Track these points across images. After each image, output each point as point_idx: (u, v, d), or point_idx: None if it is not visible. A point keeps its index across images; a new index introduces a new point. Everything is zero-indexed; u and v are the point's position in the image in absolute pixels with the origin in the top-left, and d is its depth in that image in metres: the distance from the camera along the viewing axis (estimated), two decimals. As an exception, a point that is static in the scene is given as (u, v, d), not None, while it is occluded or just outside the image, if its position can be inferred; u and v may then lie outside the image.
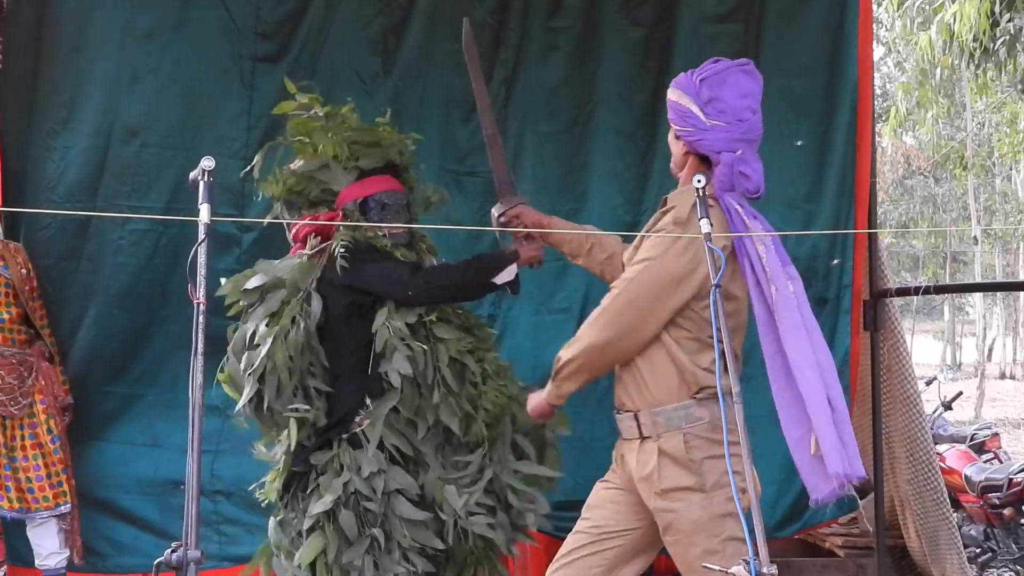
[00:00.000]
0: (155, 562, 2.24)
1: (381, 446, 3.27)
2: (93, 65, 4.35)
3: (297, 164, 3.58)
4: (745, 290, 2.76)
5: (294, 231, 3.54)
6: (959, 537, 4.68)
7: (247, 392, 3.33)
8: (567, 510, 3.67)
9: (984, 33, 8.37)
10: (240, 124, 4.45)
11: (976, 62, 8.82)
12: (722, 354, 2.52)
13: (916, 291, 4.94)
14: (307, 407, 3.31)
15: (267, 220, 3.35)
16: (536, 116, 4.66)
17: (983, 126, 18.76)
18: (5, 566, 4.21)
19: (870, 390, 4.63)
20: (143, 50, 4.36)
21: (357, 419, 3.31)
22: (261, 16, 4.46)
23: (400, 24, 4.58)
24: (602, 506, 2.93)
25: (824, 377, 2.61)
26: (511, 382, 3.51)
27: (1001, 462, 7.07)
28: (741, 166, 2.70)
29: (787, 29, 4.83)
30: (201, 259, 2.38)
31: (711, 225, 2.62)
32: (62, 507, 4.10)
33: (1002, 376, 25.95)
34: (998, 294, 25.36)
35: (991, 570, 6.39)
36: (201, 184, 2.47)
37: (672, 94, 2.79)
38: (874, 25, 6.55)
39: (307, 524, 3.26)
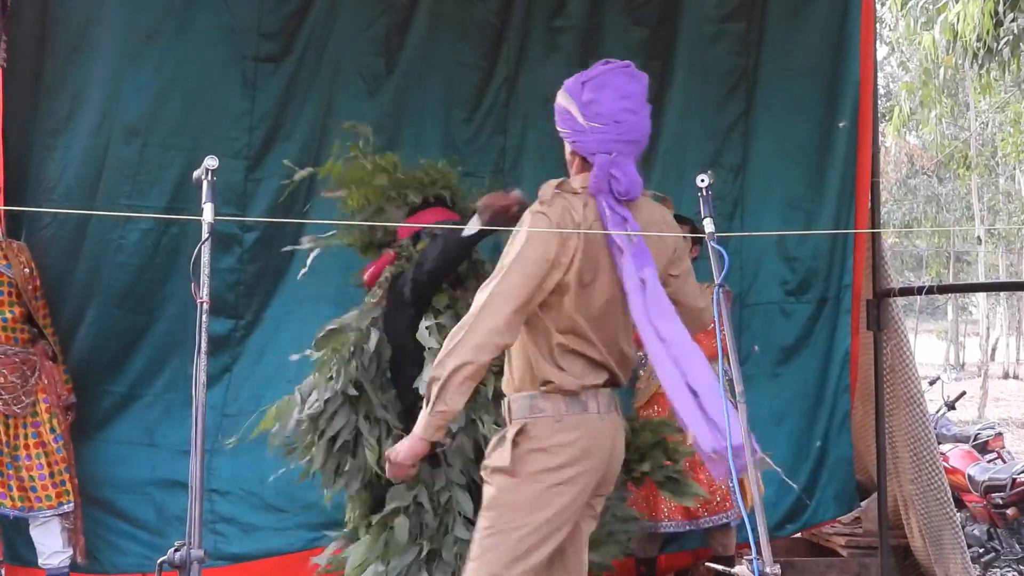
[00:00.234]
0: (158, 561, 2.24)
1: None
2: (95, 64, 4.35)
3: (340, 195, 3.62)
4: (598, 278, 2.69)
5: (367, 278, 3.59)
6: (963, 537, 4.67)
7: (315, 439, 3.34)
8: None
9: (988, 33, 8.36)
10: (242, 124, 4.46)
11: (980, 62, 8.80)
12: (725, 352, 2.52)
13: (919, 291, 4.94)
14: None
15: (269, 220, 3.34)
16: (537, 116, 4.66)
17: (987, 126, 18.70)
18: (4, 566, 4.21)
19: (873, 390, 4.62)
20: (145, 50, 4.36)
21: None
22: (263, 16, 4.47)
23: (402, 24, 4.58)
24: None
25: (680, 364, 2.57)
26: None
27: (1004, 462, 7.05)
28: (612, 168, 2.70)
29: (789, 29, 4.84)
30: (205, 258, 2.38)
31: (710, 224, 2.65)
32: (65, 506, 4.10)
33: (1005, 376, 25.94)
34: (1001, 294, 25.32)
35: (994, 570, 6.38)
36: (205, 183, 2.47)
37: (559, 96, 2.81)
38: (877, 24, 6.55)
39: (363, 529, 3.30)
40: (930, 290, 5.02)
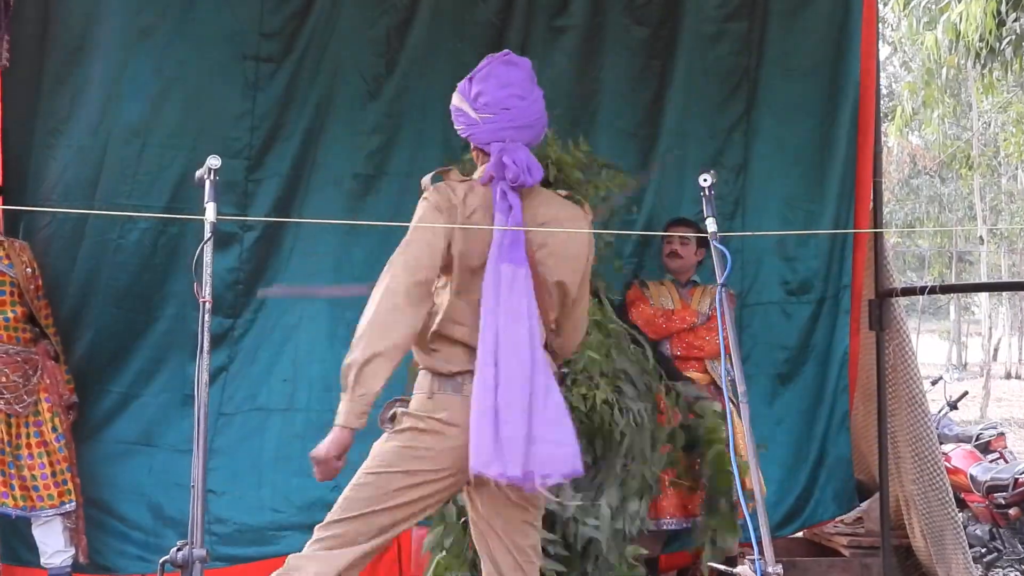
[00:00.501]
0: (161, 560, 2.25)
1: None
2: (95, 64, 4.34)
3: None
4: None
5: None
6: (964, 537, 4.67)
7: None
8: None
9: (990, 33, 8.34)
10: (243, 124, 4.46)
11: (982, 62, 8.78)
12: (727, 351, 2.52)
13: (922, 291, 4.94)
14: None
15: (269, 220, 3.35)
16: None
17: (989, 125, 18.69)
18: (0, 564, 4.22)
19: (875, 390, 4.63)
20: (145, 49, 4.35)
21: None
22: (264, 16, 4.46)
23: (403, 24, 4.58)
24: None
25: (499, 375, 2.59)
26: None
27: (1007, 462, 7.04)
28: (504, 155, 2.75)
29: (791, 29, 4.84)
30: (207, 258, 2.38)
31: (712, 224, 2.65)
32: (67, 505, 4.10)
33: (1008, 376, 25.91)
34: (1004, 294, 25.26)
35: (996, 570, 6.37)
36: (207, 183, 2.48)
37: (454, 97, 2.88)
38: (880, 24, 6.54)
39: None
40: (932, 290, 5.02)
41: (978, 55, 8.69)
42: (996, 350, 25.37)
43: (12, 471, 4.03)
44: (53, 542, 4.10)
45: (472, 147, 2.87)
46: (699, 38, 4.81)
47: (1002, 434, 7.76)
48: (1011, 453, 7.65)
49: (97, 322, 4.37)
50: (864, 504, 5.01)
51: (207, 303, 2.39)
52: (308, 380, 4.43)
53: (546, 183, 3.45)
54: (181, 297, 4.34)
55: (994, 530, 6.43)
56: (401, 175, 4.54)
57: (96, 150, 4.35)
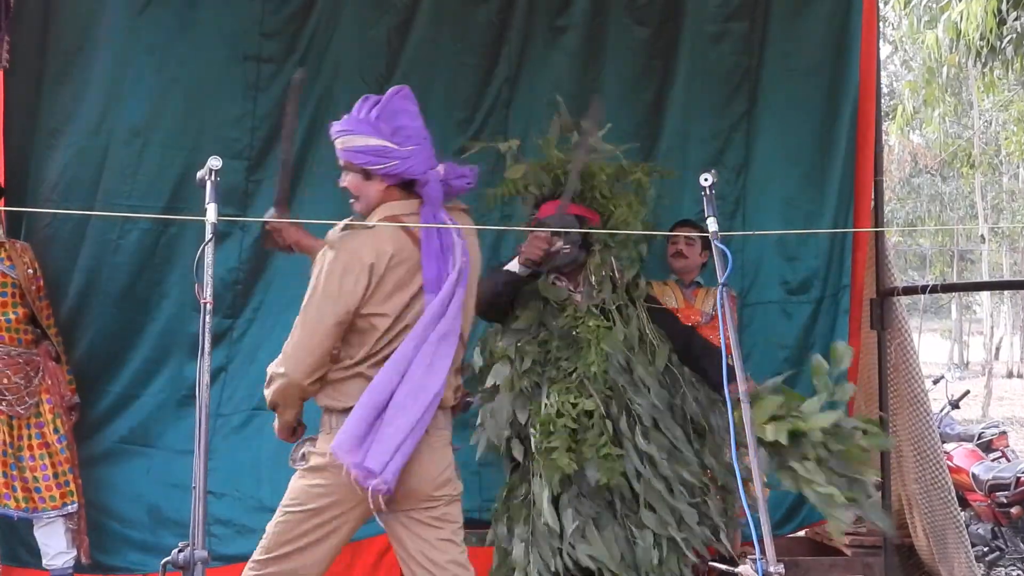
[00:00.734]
0: (163, 561, 2.24)
1: None
2: (95, 64, 4.35)
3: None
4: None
5: None
6: (966, 536, 4.67)
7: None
8: None
9: (991, 31, 8.34)
10: (243, 125, 4.46)
11: (983, 60, 8.78)
12: (729, 356, 2.53)
13: (923, 290, 4.94)
14: None
15: (269, 220, 3.34)
16: (539, 116, 4.65)
17: (990, 124, 18.69)
18: (1, 566, 4.22)
19: (877, 389, 4.62)
20: (146, 50, 4.36)
21: None
22: (265, 17, 4.46)
23: (403, 25, 4.58)
24: None
25: (400, 372, 2.77)
26: None
27: (1008, 460, 7.05)
28: (451, 175, 2.95)
29: (792, 28, 4.84)
30: (208, 259, 2.38)
31: (714, 223, 2.68)
32: (69, 507, 4.10)
33: (1009, 375, 25.87)
34: (1005, 292, 25.25)
35: (998, 569, 6.37)
36: (208, 184, 2.48)
37: (353, 141, 2.95)
38: (881, 23, 6.54)
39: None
40: (934, 289, 5.01)
41: (979, 54, 8.69)
42: (998, 349, 25.38)
43: (14, 472, 4.04)
44: (55, 543, 4.10)
45: (383, 188, 2.94)
46: (700, 38, 4.80)
47: (1004, 433, 7.75)
48: (1013, 452, 7.65)
49: (97, 322, 4.37)
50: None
51: (208, 304, 2.39)
52: (307, 380, 4.42)
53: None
54: (179, 298, 4.34)
55: (996, 529, 6.42)
56: (399, 176, 4.55)
57: (96, 151, 4.36)
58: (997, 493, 6.36)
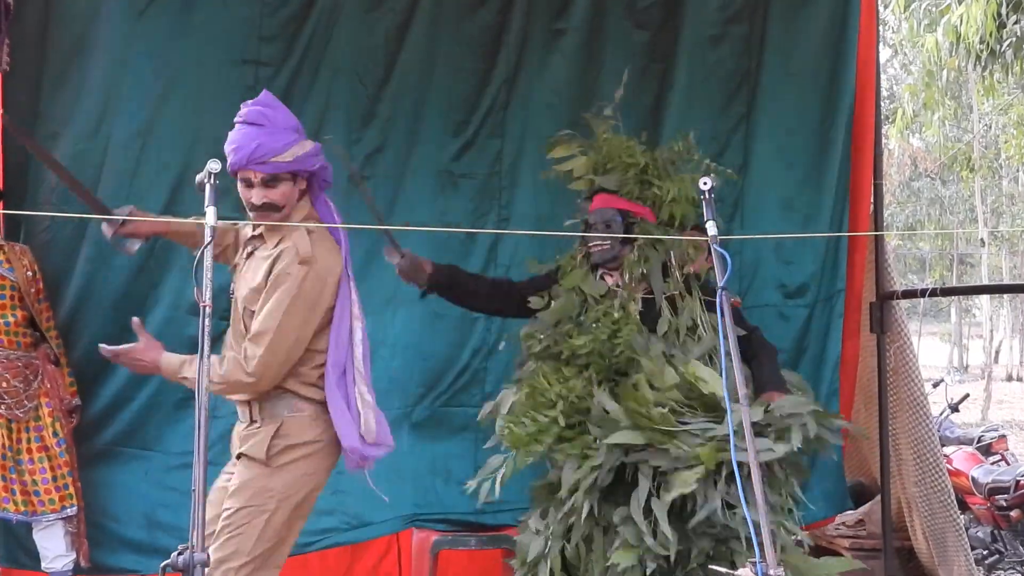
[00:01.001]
0: (162, 564, 2.24)
1: None
2: (95, 66, 4.34)
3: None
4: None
5: None
6: (966, 539, 4.67)
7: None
8: None
9: (991, 35, 8.35)
10: (242, 127, 4.45)
11: (983, 64, 8.79)
12: (728, 356, 2.52)
13: (923, 293, 4.94)
14: None
15: (268, 223, 3.33)
16: (537, 118, 4.66)
17: (990, 128, 18.67)
18: (0, 569, 4.21)
19: (877, 392, 4.62)
20: (145, 53, 4.34)
21: None
22: (263, 19, 4.45)
23: (401, 27, 4.58)
24: None
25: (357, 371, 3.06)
26: None
27: (1008, 464, 7.05)
28: (321, 168, 3.18)
29: (791, 31, 4.84)
30: (207, 261, 2.38)
31: (718, 228, 2.69)
32: (68, 510, 4.09)
33: (1009, 378, 25.86)
34: (1005, 296, 25.23)
35: (998, 572, 6.37)
36: (207, 187, 2.48)
37: (293, 152, 3.13)
38: (880, 27, 6.54)
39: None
40: (933, 292, 5.01)
41: (979, 57, 8.70)
42: (997, 352, 25.35)
43: (13, 476, 4.03)
44: (54, 546, 4.10)
45: (302, 189, 3.21)
46: (700, 41, 4.80)
47: (1003, 436, 7.75)
48: (1012, 455, 7.65)
49: (93, 325, 4.35)
50: (866, 506, 5.01)
51: (207, 307, 2.38)
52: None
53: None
54: (174, 300, 4.34)
55: (996, 532, 6.42)
56: (398, 177, 4.55)
57: (95, 153, 4.35)
58: (996, 496, 6.36)
